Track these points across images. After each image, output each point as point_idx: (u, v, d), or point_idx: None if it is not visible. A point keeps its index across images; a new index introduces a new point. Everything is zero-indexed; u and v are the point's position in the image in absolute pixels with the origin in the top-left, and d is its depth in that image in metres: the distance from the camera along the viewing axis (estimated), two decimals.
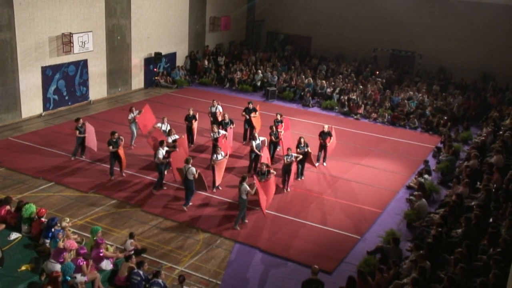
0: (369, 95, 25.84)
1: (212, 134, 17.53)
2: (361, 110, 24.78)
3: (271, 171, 15.04)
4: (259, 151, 16.78)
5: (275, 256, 12.82)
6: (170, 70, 28.43)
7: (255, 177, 14.56)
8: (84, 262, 10.57)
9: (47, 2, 21.02)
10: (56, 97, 22.39)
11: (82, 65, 23.25)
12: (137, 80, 26.77)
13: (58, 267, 10.54)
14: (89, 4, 22.92)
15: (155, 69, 27.44)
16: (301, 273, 11.87)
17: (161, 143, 15.66)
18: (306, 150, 16.77)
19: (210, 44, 31.68)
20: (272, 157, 18.00)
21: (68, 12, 21.99)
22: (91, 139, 17.56)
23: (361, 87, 26.77)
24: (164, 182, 15.89)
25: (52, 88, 22.14)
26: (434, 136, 22.47)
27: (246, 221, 14.22)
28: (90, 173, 16.71)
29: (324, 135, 18.01)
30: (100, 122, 20.92)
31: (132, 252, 11.67)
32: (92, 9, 23.14)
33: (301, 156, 16.26)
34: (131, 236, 12.13)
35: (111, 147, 15.98)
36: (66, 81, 22.66)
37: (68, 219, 12.37)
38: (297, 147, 16.69)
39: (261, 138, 17.17)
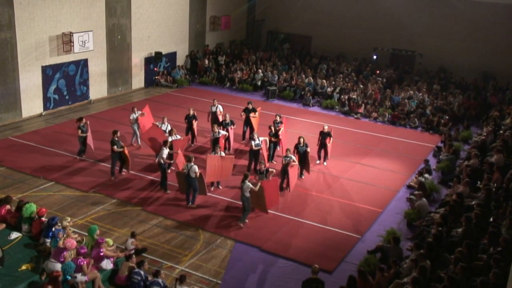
0: (370, 94, 25.83)
1: (212, 134, 17.53)
2: (361, 110, 24.78)
3: (270, 169, 15.03)
4: (260, 150, 16.78)
5: (275, 256, 12.82)
6: (171, 70, 28.43)
7: (253, 177, 14.60)
8: (85, 262, 10.57)
9: (47, 1, 21.02)
10: (56, 96, 22.39)
11: (82, 65, 23.25)
12: (138, 80, 26.77)
13: (58, 266, 10.55)
14: (89, 3, 22.91)
15: (155, 69, 27.44)
16: (302, 273, 11.87)
17: (164, 143, 15.68)
18: (305, 149, 16.74)
19: (211, 43, 31.67)
20: (272, 157, 18.01)
21: (68, 11, 21.98)
22: (90, 138, 17.56)
23: (361, 86, 26.76)
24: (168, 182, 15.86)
25: (53, 87, 22.14)
26: (435, 136, 22.47)
27: (246, 221, 14.20)
28: (90, 172, 16.71)
29: (324, 135, 18.00)
30: (101, 122, 20.94)
31: (133, 251, 11.68)
32: (92, 9, 23.14)
33: (296, 163, 15.97)
34: (133, 235, 12.14)
35: (115, 147, 15.98)
36: (66, 80, 22.66)
37: (69, 219, 12.40)
38: (296, 147, 16.67)
39: (261, 138, 17.14)
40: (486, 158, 17.34)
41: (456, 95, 25.88)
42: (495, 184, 14.86)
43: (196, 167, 14.57)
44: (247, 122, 19.78)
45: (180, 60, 29.36)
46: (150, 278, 10.76)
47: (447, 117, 23.38)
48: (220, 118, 19.38)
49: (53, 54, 21.73)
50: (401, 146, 21.01)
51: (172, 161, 15.77)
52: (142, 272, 10.83)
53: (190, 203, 14.88)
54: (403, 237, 13.35)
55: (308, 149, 16.89)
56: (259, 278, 11.97)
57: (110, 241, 11.78)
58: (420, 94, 25.86)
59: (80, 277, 10.48)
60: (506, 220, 12.13)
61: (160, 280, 10.56)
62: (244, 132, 19.97)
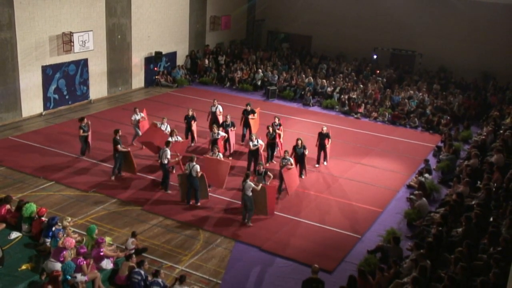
0: (370, 94, 25.83)
1: (211, 135, 17.51)
2: (361, 109, 24.77)
3: (269, 173, 14.90)
4: (258, 151, 16.72)
5: (275, 255, 12.81)
6: (171, 69, 28.43)
7: (252, 178, 14.58)
8: (84, 262, 10.57)
9: (47, 1, 21.02)
10: (56, 96, 22.39)
11: (82, 64, 23.25)
12: (138, 79, 26.77)
13: (58, 266, 10.55)
14: (89, 3, 22.91)
15: (155, 68, 27.44)
16: (302, 272, 11.86)
17: (167, 144, 15.69)
18: (303, 151, 16.63)
19: (211, 43, 31.67)
20: (271, 158, 17.96)
21: (68, 11, 21.98)
22: (90, 138, 17.56)
23: (361, 86, 26.75)
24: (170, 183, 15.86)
25: (53, 87, 22.13)
26: (435, 135, 22.47)
27: (246, 220, 14.20)
28: (90, 172, 16.70)
29: (322, 136, 17.96)
30: (101, 121, 20.93)
31: (133, 251, 11.69)
32: (92, 8, 23.14)
33: (293, 166, 15.85)
34: (133, 235, 12.14)
35: (119, 146, 15.99)
36: (66, 80, 22.66)
37: (69, 218, 12.42)
38: (294, 148, 16.63)
39: (260, 142, 17.08)
40: (486, 158, 17.34)
41: (456, 95, 25.89)
42: (495, 184, 14.86)
43: (198, 167, 14.59)
44: (246, 124, 19.63)
45: (180, 60, 29.35)
46: (150, 278, 10.76)
47: (448, 118, 23.38)
48: (220, 119, 19.37)
49: (53, 54, 21.72)
50: (401, 146, 21.01)
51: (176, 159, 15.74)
52: (142, 272, 10.83)
53: (196, 203, 14.88)
54: (403, 237, 13.34)
55: (306, 152, 16.80)
56: (259, 278, 11.97)
57: (108, 238, 11.81)
58: (420, 94, 25.86)
59: (80, 277, 10.48)
60: (506, 220, 12.13)
61: (160, 280, 10.56)
62: (243, 134, 19.89)
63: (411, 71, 30.15)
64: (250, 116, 19.50)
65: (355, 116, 24.52)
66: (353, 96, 25.50)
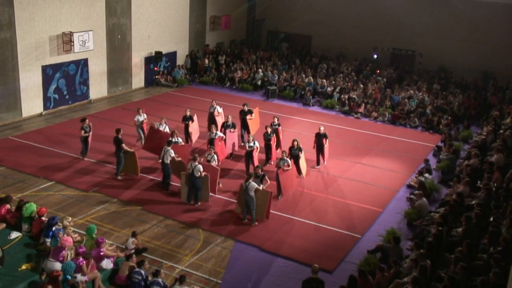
0: (370, 94, 25.83)
1: (209, 135, 17.50)
2: (361, 109, 24.77)
3: (266, 177, 14.72)
4: (253, 152, 16.67)
5: (275, 255, 12.81)
6: (171, 69, 28.43)
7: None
8: (84, 262, 10.57)
9: (47, 1, 21.02)
10: (56, 96, 22.39)
11: (82, 64, 23.25)
12: (138, 79, 26.77)
13: (57, 265, 10.55)
14: (89, 3, 22.91)
15: (155, 68, 27.44)
16: (302, 272, 11.86)
17: (168, 143, 15.69)
18: (298, 153, 16.52)
19: (211, 43, 31.67)
20: (268, 159, 17.91)
21: (68, 11, 21.98)
22: (90, 138, 17.56)
23: (361, 86, 26.75)
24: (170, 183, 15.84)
25: (53, 87, 22.13)
26: (435, 135, 22.47)
27: (246, 220, 14.21)
28: (90, 172, 16.70)
29: (319, 137, 17.90)
30: (101, 121, 20.93)
31: (133, 251, 11.69)
32: (92, 8, 23.13)
33: (290, 167, 15.70)
34: (133, 234, 12.14)
35: (123, 145, 16.02)
36: (66, 80, 22.66)
37: (70, 218, 12.45)
38: (290, 149, 16.58)
39: (256, 144, 17.02)
40: (486, 158, 17.34)
41: (456, 94, 25.89)
42: (495, 184, 14.85)
43: (200, 167, 14.58)
44: (244, 125, 19.44)
45: (180, 60, 29.36)
46: (150, 278, 10.76)
47: (449, 118, 23.38)
48: (218, 119, 19.30)
49: (53, 53, 21.72)
50: (401, 146, 21.01)
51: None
52: (142, 272, 10.83)
53: (195, 203, 14.86)
54: (403, 237, 13.33)
55: (301, 154, 16.71)
56: (259, 277, 11.96)
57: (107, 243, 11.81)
58: (420, 93, 25.86)
59: (80, 277, 10.47)
60: (506, 219, 12.13)
61: (160, 280, 10.56)
62: (242, 135, 19.78)
63: (411, 71, 30.15)
64: (248, 117, 19.41)
65: (355, 116, 24.52)
66: (353, 96, 25.50)
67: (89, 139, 17.46)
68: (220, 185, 15.69)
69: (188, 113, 18.97)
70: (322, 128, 18.02)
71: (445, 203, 14.49)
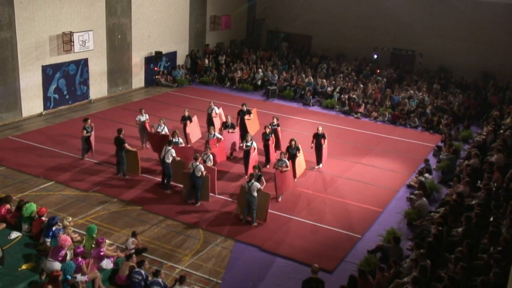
0: (370, 94, 25.83)
1: (207, 135, 17.49)
2: (361, 109, 24.77)
3: (263, 179, 14.70)
4: (249, 152, 16.62)
5: (275, 255, 12.81)
6: (171, 69, 28.43)
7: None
8: (84, 262, 10.57)
9: (47, 1, 21.02)
10: (56, 96, 22.39)
11: (82, 64, 23.25)
12: (138, 79, 26.77)
13: (56, 265, 10.55)
14: (89, 3, 22.91)
15: (155, 68, 27.44)
16: (302, 272, 11.86)
17: (169, 143, 15.68)
18: (295, 153, 16.45)
19: (211, 43, 31.67)
20: (268, 161, 17.88)
21: (68, 11, 21.98)
22: (93, 138, 17.55)
23: (361, 86, 26.74)
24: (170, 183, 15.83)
25: (53, 87, 22.13)
26: (435, 135, 22.47)
27: (245, 220, 14.20)
28: (91, 172, 16.69)
29: (318, 137, 17.85)
30: (101, 121, 20.91)
31: (133, 251, 11.69)
32: (92, 8, 23.14)
33: (288, 168, 15.62)
34: (133, 234, 12.14)
35: (126, 144, 16.02)
36: (66, 80, 22.66)
37: (70, 218, 12.44)
38: (287, 149, 16.55)
39: (254, 144, 16.98)
40: (486, 158, 17.34)
41: (456, 94, 25.89)
42: (495, 184, 14.85)
43: (201, 166, 14.59)
44: (242, 125, 19.29)
45: (180, 60, 29.35)
46: (150, 278, 10.76)
47: (449, 118, 23.37)
48: (216, 120, 19.27)
49: (53, 53, 21.73)
50: (401, 146, 21.00)
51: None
52: (143, 272, 10.83)
53: (195, 203, 14.87)
54: (403, 237, 13.33)
55: (298, 154, 16.62)
56: (259, 277, 11.96)
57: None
58: (420, 93, 25.86)
59: (80, 277, 10.47)
60: (506, 219, 12.12)
61: (160, 280, 10.56)
62: (242, 136, 19.71)
63: (411, 71, 30.15)
64: (246, 117, 19.37)
65: (355, 116, 24.52)
66: (353, 96, 25.49)
67: (91, 139, 17.45)
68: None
69: (186, 113, 18.95)
70: (320, 128, 17.97)
71: (445, 203, 14.49)
